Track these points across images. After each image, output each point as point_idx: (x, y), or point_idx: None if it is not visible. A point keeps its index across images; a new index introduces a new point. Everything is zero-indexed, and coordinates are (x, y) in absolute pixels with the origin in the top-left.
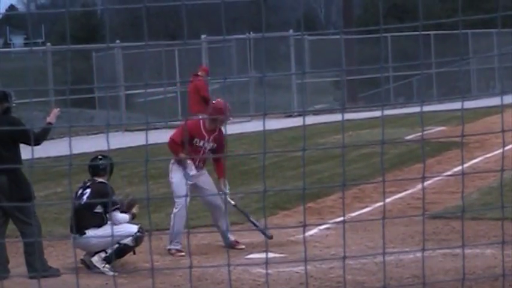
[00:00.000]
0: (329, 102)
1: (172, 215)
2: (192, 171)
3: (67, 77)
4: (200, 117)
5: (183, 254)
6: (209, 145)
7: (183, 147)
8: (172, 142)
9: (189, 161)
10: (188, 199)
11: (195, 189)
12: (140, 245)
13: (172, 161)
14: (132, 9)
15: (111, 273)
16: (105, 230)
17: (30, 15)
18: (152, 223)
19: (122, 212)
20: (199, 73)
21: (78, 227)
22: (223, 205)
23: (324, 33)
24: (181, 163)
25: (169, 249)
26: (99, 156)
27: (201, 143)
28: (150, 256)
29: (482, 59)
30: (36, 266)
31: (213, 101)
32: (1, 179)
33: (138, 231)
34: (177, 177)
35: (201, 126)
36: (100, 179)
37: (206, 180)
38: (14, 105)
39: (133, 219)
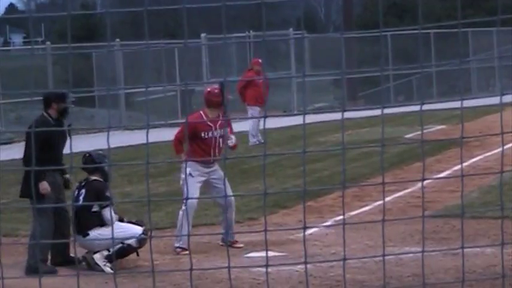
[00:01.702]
0: (329, 101)
1: (180, 212)
2: (196, 172)
3: (69, 77)
4: (201, 111)
5: (187, 251)
6: (219, 133)
7: (190, 145)
8: (176, 141)
9: (190, 163)
10: (196, 199)
11: (206, 185)
12: (143, 246)
13: (183, 158)
14: (132, 9)
15: (112, 271)
16: (109, 231)
17: (30, 15)
18: (152, 222)
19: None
20: (254, 67)
21: (81, 228)
22: (233, 199)
23: (324, 35)
24: (191, 162)
25: (176, 247)
26: (86, 155)
27: (210, 134)
28: (150, 255)
29: (483, 58)
30: (31, 264)
31: (208, 89)
32: (58, 178)
33: (142, 233)
34: (188, 176)
35: (204, 118)
36: (94, 177)
37: (218, 176)
38: (72, 106)
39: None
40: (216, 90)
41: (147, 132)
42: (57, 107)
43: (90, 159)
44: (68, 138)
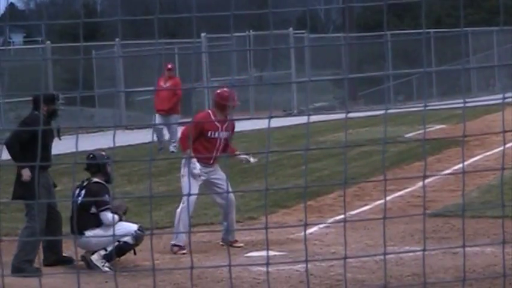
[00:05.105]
0: (329, 101)
1: (178, 210)
2: (196, 170)
3: (79, 79)
4: (209, 110)
5: (184, 251)
6: (224, 135)
7: (194, 142)
8: (182, 137)
9: (193, 160)
10: (195, 196)
11: (206, 185)
12: (140, 243)
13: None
14: (132, 9)
15: (111, 271)
16: (104, 230)
17: (30, 14)
18: (152, 221)
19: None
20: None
21: (77, 228)
22: (233, 199)
23: (327, 35)
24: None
25: (173, 245)
26: (90, 155)
27: (216, 134)
28: (150, 254)
29: (483, 57)
30: (14, 264)
31: (218, 91)
32: (50, 179)
33: (138, 230)
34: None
35: (213, 118)
36: (96, 179)
37: (218, 175)
38: (62, 108)
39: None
40: (226, 93)
41: (153, 132)
42: (46, 109)
43: (94, 161)
44: (57, 139)
